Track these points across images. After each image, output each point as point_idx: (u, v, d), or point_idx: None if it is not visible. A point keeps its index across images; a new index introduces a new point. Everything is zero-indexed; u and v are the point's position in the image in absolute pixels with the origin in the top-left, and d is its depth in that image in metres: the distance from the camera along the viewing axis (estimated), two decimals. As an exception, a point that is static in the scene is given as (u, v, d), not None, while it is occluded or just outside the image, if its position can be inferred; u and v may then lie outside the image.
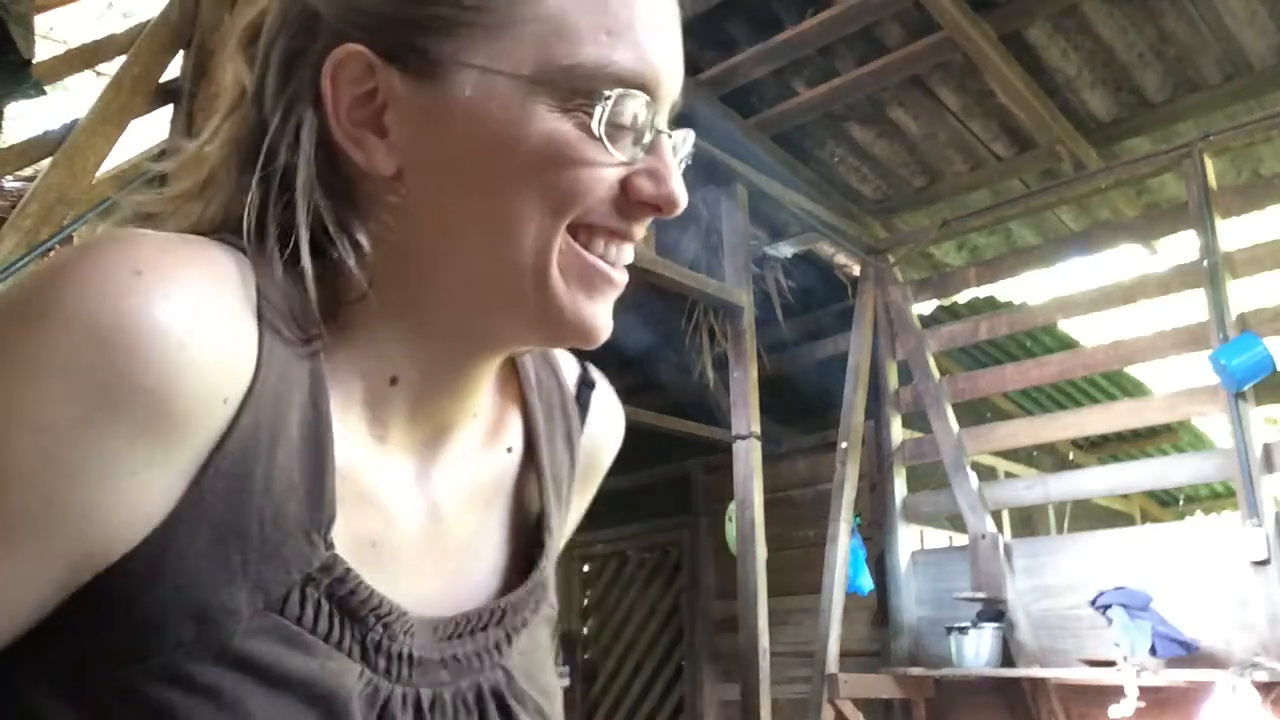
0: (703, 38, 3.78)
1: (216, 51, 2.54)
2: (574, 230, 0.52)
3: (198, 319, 0.45)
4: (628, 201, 0.53)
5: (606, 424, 0.71)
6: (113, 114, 2.43)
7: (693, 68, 3.84)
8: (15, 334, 0.43)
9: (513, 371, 0.64)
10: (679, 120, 0.57)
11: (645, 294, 4.49)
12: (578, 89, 0.50)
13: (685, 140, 0.57)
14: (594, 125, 0.50)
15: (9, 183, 2.93)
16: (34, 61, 2.33)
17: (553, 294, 0.52)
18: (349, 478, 0.51)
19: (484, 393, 0.60)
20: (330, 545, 0.49)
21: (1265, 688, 2.94)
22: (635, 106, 0.51)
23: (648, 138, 0.53)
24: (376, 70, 0.51)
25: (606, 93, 0.50)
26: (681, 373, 4.80)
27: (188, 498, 0.45)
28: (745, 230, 3.98)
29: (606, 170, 0.51)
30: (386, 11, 0.51)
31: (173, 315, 0.44)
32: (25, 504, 0.43)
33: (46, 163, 2.36)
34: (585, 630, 6.05)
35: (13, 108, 2.53)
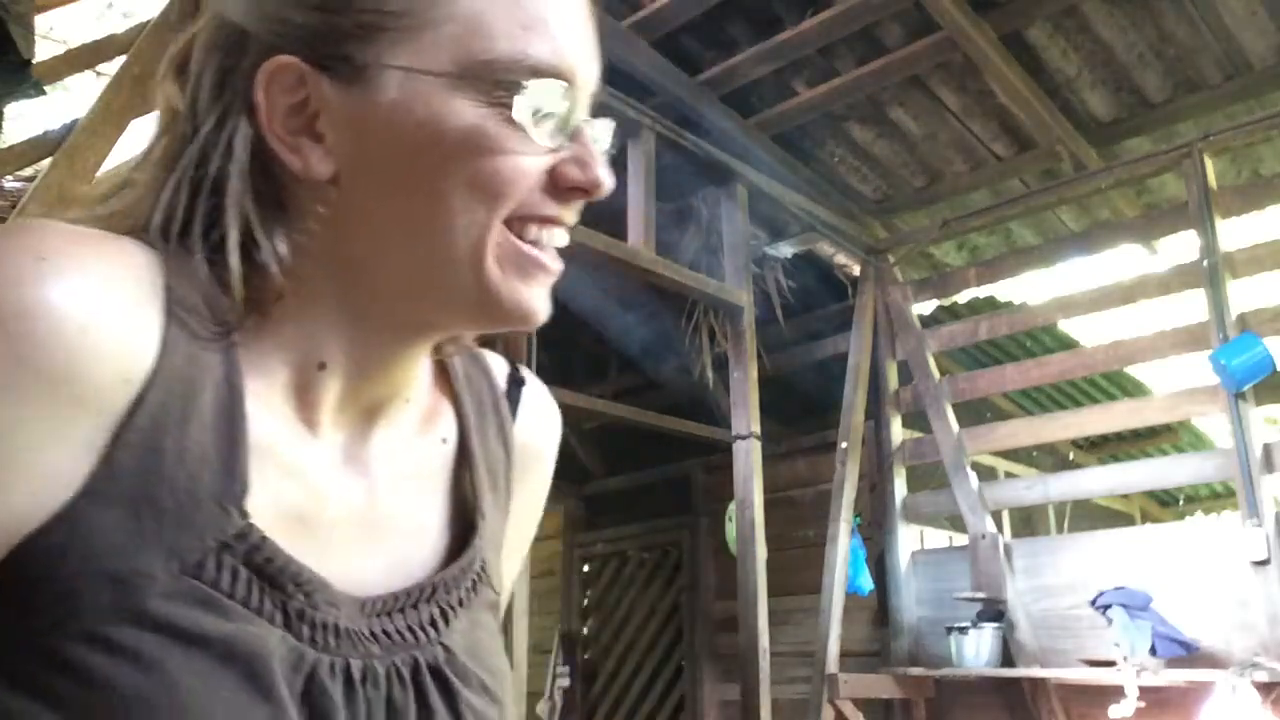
0: (703, 38, 3.78)
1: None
2: (507, 220, 0.55)
3: (99, 303, 0.48)
4: (556, 188, 0.56)
5: (538, 418, 0.73)
6: (113, 114, 2.42)
7: (693, 68, 3.84)
8: None
9: (444, 370, 0.67)
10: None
11: (645, 294, 4.50)
12: (496, 81, 0.53)
13: (606, 130, 0.59)
14: (514, 114, 0.53)
15: (9, 183, 2.93)
16: (34, 61, 2.33)
17: (489, 282, 0.55)
18: (271, 455, 0.53)
19: (415, 377, 0.63)
20: (245, 515, 0.51)
21: (1265, 688, 2.95)
22: (554, 96, 0.54)
23: (570, 126, 0.55)
24: (307, 79, 0.53)
25: (524, 83, 0.53)
26: (681, 373, 4.80)
27: (98, 471, 0.47)
28: (745, 230, 3.98)
29: (532, 159, 0.54)
30: (313, 23, 0.53)
31: (74, 300, 0.47)
32: None
33: (46, 163, 2.36)
34: (585, 630, 6.05)
35: (13, 108, 2.53)
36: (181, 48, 0.58)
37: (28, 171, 2.70)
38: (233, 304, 0.52)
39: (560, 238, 0.58)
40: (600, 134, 0.58)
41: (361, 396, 0.59)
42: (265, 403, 0.54)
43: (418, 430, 0.64)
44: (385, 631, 0.56)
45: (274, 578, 0.51)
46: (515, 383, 0.72)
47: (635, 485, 5.89)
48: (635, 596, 5.81)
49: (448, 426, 0.66)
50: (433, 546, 0.62)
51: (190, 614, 0.48)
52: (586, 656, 5.95)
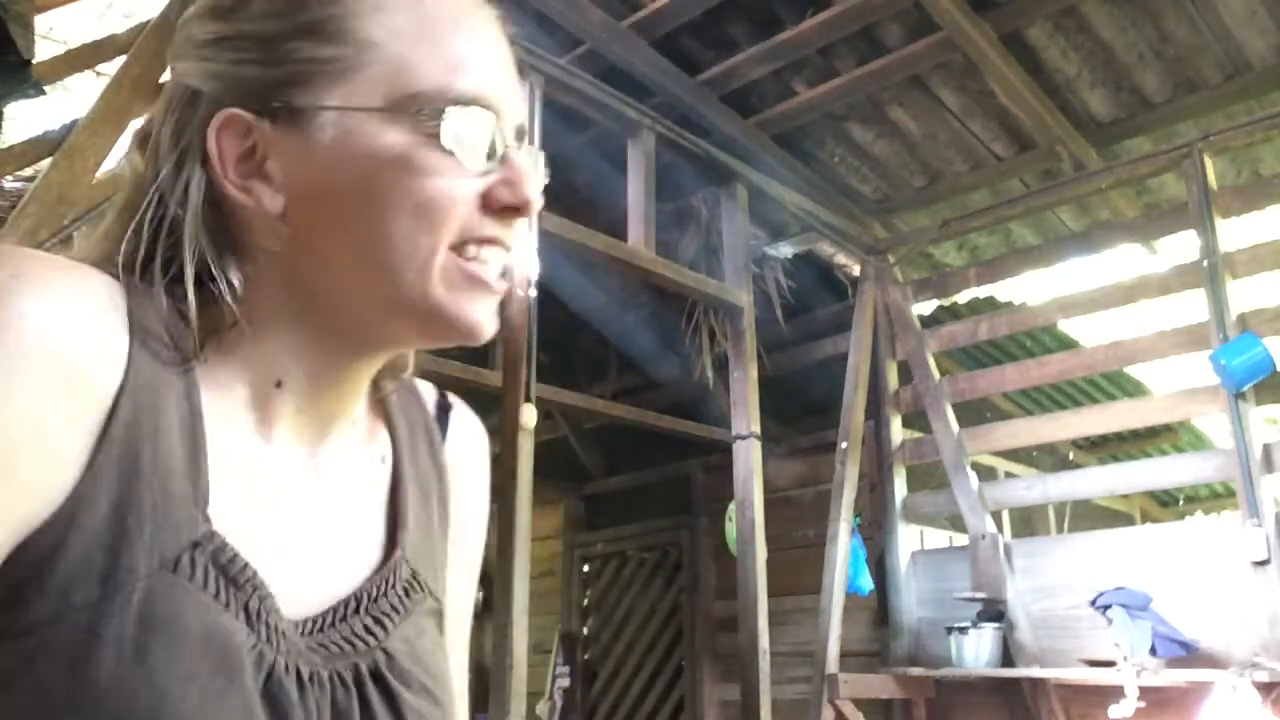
0: (703, 38, 3.78)
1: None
2: (451, 245, 0.59)
3: (71, 317, 0.52)
4: (490, 209, 0.60)
5: (466, 439, 0.77)
6: (113, 114, 2.42)
7: (693, 68, 3.84)
8: None
9: (378, 397, 0.71)
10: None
11: (645, 294, 4.50)
12: (422, 111, 0.57)
13: (536, 157, 0.63)
14: (442, 140, 0.57)
15: (9, 183, 2.93)
16: (34, 61, 2.33)
17: (435, 301, 0.59)
18: (228, 467, 0.57)
19: (362, 392, 0.67)
20: (208, 520, 0.54)
21: (1265, 688, 2.95)
22: (478, 123, 0.59)
23: (498, 152, 0.60)
24: (253, 127, 0.58)
25: (447, 110, 0.57)
26: (681, 373, 4.80)
27: (85, 475, 0.51)
28: (745, 230, 3.98)
29: (463, 182, 0.58)
30: (252, 76, 0.58)
31: (48, 313, 0.51)
32: None
33: (46, 163, 2.36)
34: (585, 630, 6.05)
35: (13, 108, 2.53)
36: (146, 123, 0.64)
37: (28, 171, 2.70)
38: (190, 333, 0.57)
39: (502, 258, 0.62)
40: (528, 160, 0.62)
41: (315, 411, 0.63)
42: (226, 418, 0.58)
43: (361, 450, 0.68)
44: (323, 644, 0.59)
45: (235, 578, 0.54)
46: (443, 409, 0.76)
47: (635, 485, 5.89)
48: (635, 596, 5.81)
49: (384, 447, 0.70)
50: (365, 560, 0.65)
51: (170, 606, 0.51)
52: (586, 656, 5.95)
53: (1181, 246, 3.94)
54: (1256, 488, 3.23)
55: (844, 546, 4.04)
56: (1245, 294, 3.53)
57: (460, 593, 0.74)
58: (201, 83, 0.59)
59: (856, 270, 4.61)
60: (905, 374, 4.39)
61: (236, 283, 0.58)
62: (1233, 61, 3.69)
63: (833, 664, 3.83)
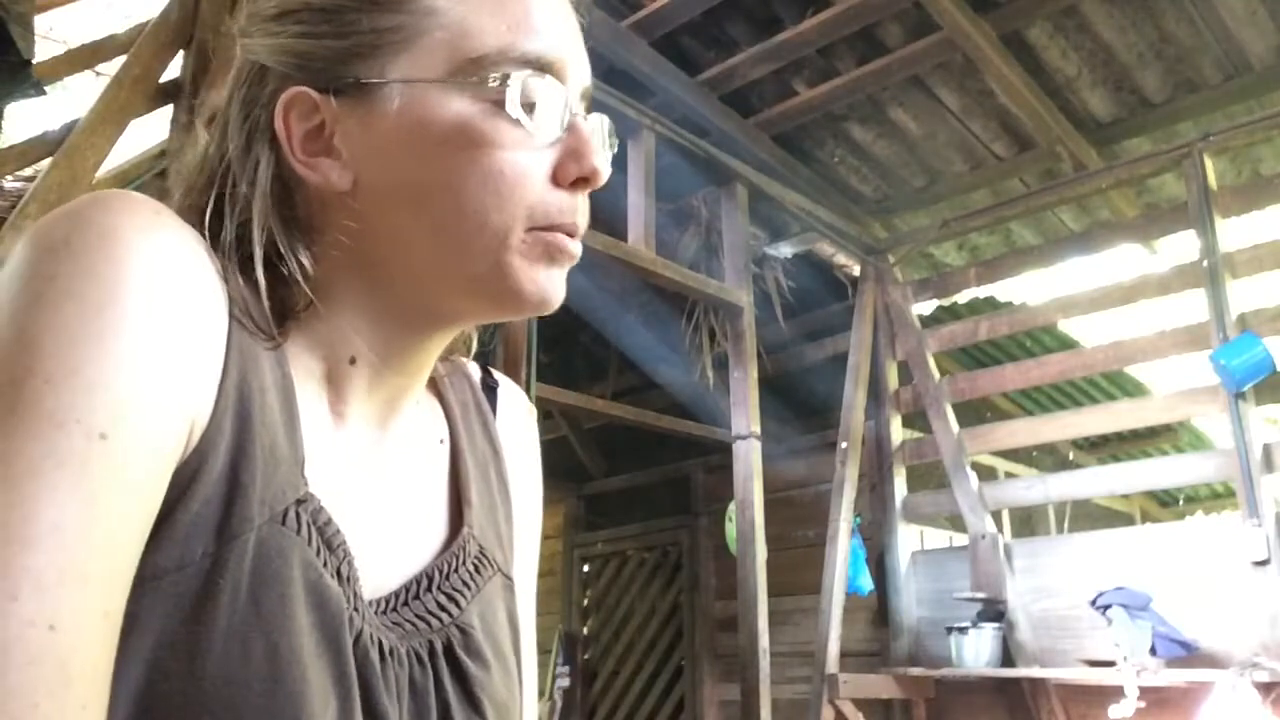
0: (703, 38, 3.78)
1: (217, 52, 2.54)
2: (528, 230, 0.58)
3: (202, 255, 0.53)
4: (561, 184, 0.58)
5: (516, 416, 0.78)
6: (113, 114, 2.42)
7: (693, 68, 3.84)
8: (79, 260, 0.47)
9: (432, 377, 0.70)
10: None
11: (645, 294, 4.50)
12: (486, 76, 0.56)
13: (603, 124, 0.62)
14: (507, 106, 0.56)
15: (9, 183, 2.93)
16: (34, 61, 2.33)
17: (512, 272, 0.57)
18: (311, 445, 0.56)
19: (428, 374, 0.66)
20: (306, 481, 0.54)
21: (1265, 688, 2.95)
22: (544, 86, 0.57)
23: (564, 119, 0.58)
24: (320, 103, 0.57)
25: (512, 75, 0.56)
26: (681, 373, 4.80)
27: (212, 421, 0.50)
28: (745, 230, 3.98)
29: (531, 155, 0.57)
30: (317, 52, 0.57)
31: (186, 244, 0.51)
32: (140, 399, 0.47)
33: (46, 163, 2.36)
34: (585, 630, 6.05)
35: (13, 108, 2.53)
36: (220, 101, 0.63)
37: (28, 171, 2.70)
38: (265, 314, 0.56)
39: (577, 246, 0.61)
40: (596, 127, 0.61)
41: (385, 390, 0.62)
42: (305, 395, 0.57)
43: (423, 431, 0.68)
44: (396, 622, 0.58)
45: (329, 540, 0.54)
46: (489, 387, 0.76)
47: (635, 485, 5.89)
48: (635, 596, 5.81)
49: (442, 428, 0.70)
50: (434, 539, 0.64)
51: (281, 559, 0.51)
52: (586, 656, 5.95)
53: (1181, 246, 3.94)
54: (1256, 488, 3.23)
55: (844, 546, 4.04)
56: (1245, 294, 3.53)
57: (525, 568, 0.74)
58: (268, 59, 0.59)
59: (856, 270, 4.61)
60: (905, 374, 4.40)
61: (306, 263, 0.57)
62: (1233, 61, 3.69)
63: (833, 664, 3.83)
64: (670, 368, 4.95)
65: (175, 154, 2.56)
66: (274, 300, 0.56)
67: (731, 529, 3.88)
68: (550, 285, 0.59)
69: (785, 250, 4.63)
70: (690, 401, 4.65)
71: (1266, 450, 3.29)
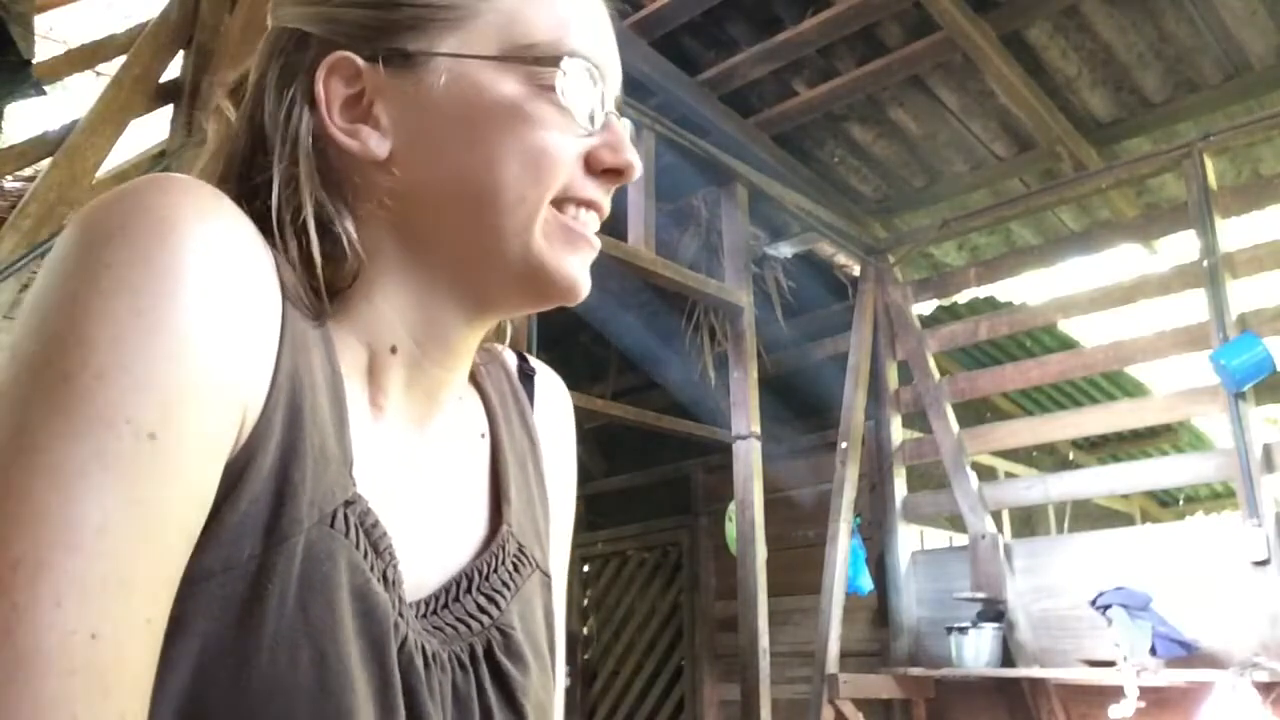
0: (703, 38, 3.78)
1: (216, 52, 2.54)
2: (553, 201, 0.59)
3: (255, 238, 0.52)
4: (591, 171, 0.60)
5: (554, 404, 0.77)
6: (113, 114, 2.43)
7: (693, 68, 3.84)
8: (135, 247, 0.45)
9: (471, 368, 0.70)
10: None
11: (645, 294, 4.50)
12: (537, 60, 0.57)
13: (628, 128, 0.63)
14: (556, 94, 0.57)
15: (9, 183, 2.93)
16: (34, 61, 2.33)
17: (536, 255, 0.58)
18: (357, 435, 0.56)
19: (467, 366, 0.66)
20: (354, 482, 0.53)
21: (1265, 688, 2.94)
22: (589, 80, 0.59)
23: (601, 114, 0.60)
24: (363, 71, 0.57)
25: (563, 65, 0.58)
26: (681, 373, 4.80)
27: (263, 416, 0.49)
28: (745, 230, 3.98)
29: (571, 139, 0.58)
30: (366, 20, 0.58)
31: (243, 229, 0.51)
32: (206, 379, 0.46)
33: (46, 163, 2.36)
34: (585, 630, 6.05)
35: (13, 108, 2.53)
36: (241, 74, 0.63)
37: (28, 171, 2.70)
38: (316, 286, 0.55)
39: (597, 222, 0.62)
40: (627, 129, 0.63)
41: (425, 382, 0.61)
42: (349, 385, 0.57)
43: (464, 425, 0.67)
44: (437, 626, 0.57)
45: (375, 544, 0.53)
46: (526, 375, 0.76)
47: (635, 485, 5.89)
48: (635, 596, 5.81)
49: (482, 422, 0.69)
50: (473, 537, 0.64)
51: (330, 562, 0.50)
52: (586, 657, 5.95)
53: (1181, 246, 3.94)
54: (1256, 488, 3.23)
55: (844, 546, 4.04)
56: (1245, 294, 3.53)
57: (559, 560, 0.73)
58: (311, 24, 0.58)
59: (856, 270, 4.61)
60: (905, 374, 4.39)
61: (351, 229, 0.57)
62: (1233, 61, 3.69)
63: (833, 664, 3.83)
64: (670, 368, 4.95)
65: (175, 154, 2.56)
66: (323, 274, 0.55)
67: (731, 529, 3.88)
68: (577, 272, 0.60)
69: (785, 250, 4.63)
70: (690, 401, 4.65)
71: (1266, 450, 3.29)
